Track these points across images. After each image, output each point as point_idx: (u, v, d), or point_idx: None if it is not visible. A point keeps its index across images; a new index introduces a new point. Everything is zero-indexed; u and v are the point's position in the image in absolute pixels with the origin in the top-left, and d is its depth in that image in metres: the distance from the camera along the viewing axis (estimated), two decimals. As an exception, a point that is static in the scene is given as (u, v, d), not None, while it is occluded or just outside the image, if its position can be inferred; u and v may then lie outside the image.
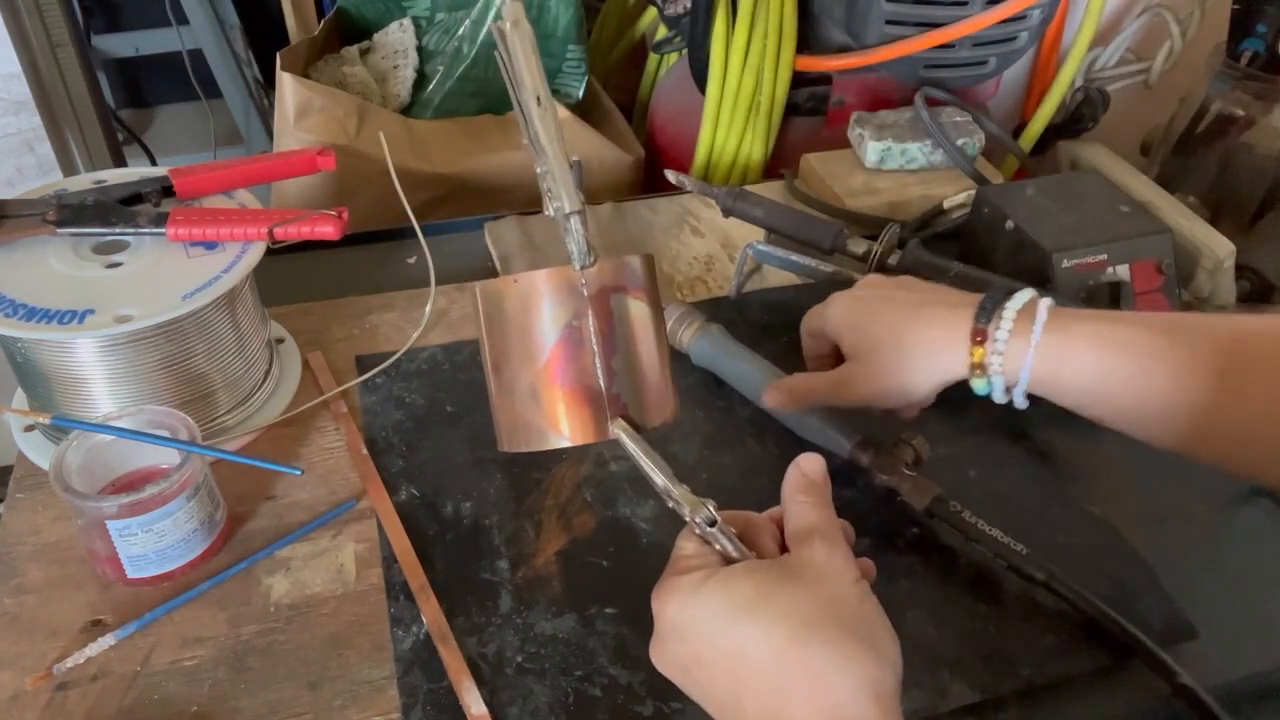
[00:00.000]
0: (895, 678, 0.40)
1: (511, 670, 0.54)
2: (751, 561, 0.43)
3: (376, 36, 1.16)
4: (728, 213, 0.82)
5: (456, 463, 0.66)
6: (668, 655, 0.44)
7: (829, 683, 0.38)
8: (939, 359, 0.57)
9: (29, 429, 0.66)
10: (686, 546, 0.45)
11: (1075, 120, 1.05)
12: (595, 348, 0.44)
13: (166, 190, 0.67)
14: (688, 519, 0.44)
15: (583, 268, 0.44)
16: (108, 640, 0.55)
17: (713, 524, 0.44)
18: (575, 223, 0.44)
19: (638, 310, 0.46)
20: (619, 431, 0.44)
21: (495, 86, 1.13)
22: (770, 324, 0.77)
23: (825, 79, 1.01)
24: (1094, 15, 1.01)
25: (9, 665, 0.54)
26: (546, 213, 0.45)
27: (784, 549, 0.45)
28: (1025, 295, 0.56)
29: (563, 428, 0.45)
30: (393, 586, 0.58)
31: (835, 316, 0.62)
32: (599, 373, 0.44)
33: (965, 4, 0.90)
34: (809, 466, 0.47)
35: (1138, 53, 1.09)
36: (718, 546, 0.45)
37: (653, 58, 1.24)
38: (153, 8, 1.77)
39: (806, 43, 0.99)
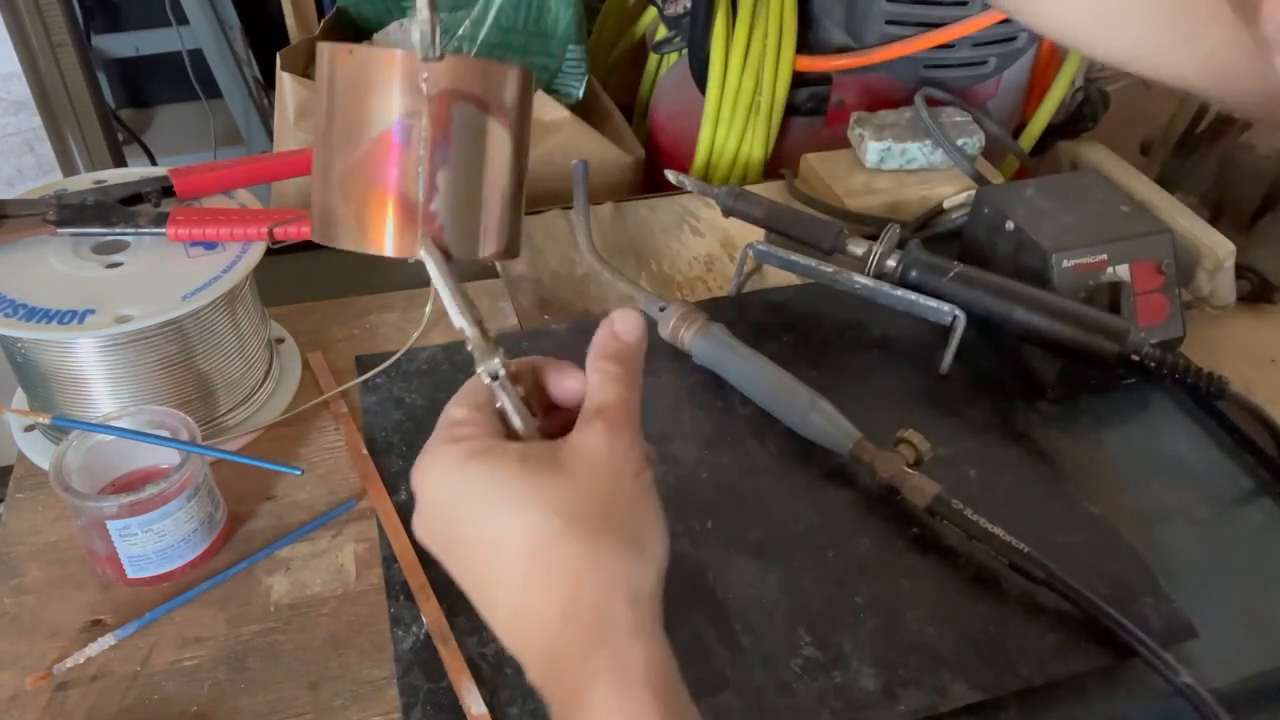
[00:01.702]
0: (657, 576, 0.38)
1: (511, 670, 0.54)
2: (523, 445, 0.39)
3: (376, 36, 1.16)
4: (728, 213, 0.82)
5: (456, 463, 0.66)
6: (428, 530, 0.39)
7: (582, 583, 0.36)
8: None
9: (29, 429, 0.66)
10: (457, 412, 0.40)
11: (1075, 120, 1.05)
12: (422, 153, 0.39)
13: (166, 190, 0.67)
14: (477, 368, 0.40)
15: (425, 59, 0.38)
16: (108, 640, 0.55)
17: (495, 377, 0.40)
18: (423, 5, 0.38)
19: (490, 129, 0.40)
20: (424, 252, 0.40)
21: (495, 86, 1.13)
22: (770, 324, 0.77)
23: (825, 79, 1.01)
24: (1094, 15, 1.01)
25: (9, 665, 0.54)
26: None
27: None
28: None
29: (367, 229, 0.40)
30: (393, 586, 0.58)
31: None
32: (420, 182, 0.39)
33: (965, 4, 0.90)
34: (623, 326, 0.41)
35: (1138, 53, 1.09)
36: (498, 403, 0.40)
37: (653, 58, 1.24)
38: (153, 8, 1.77)
39: (806, 43, 0.99)
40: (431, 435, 0.40)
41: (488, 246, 0.42)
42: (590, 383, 0.40)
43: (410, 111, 0.38)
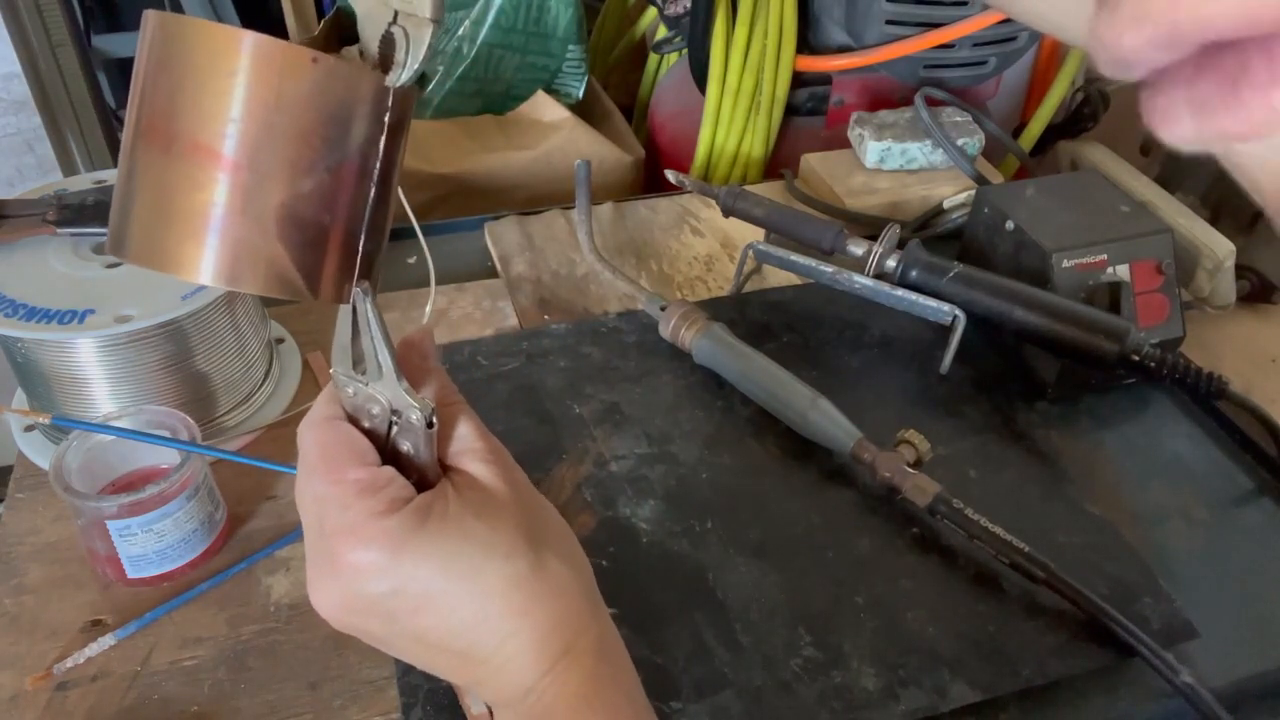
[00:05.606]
0: (588, 569, 0.41)
1: (511, 670, 0.54)
2: (452, 494, 0.38)
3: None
4: (728, 213, 0.82)
5: (456, 463, 0.66)
6: (382, 610, 0.37)
7: (569, 595, 0.39)
8: None
9: (29, 429, 0.66)
10: (367, 475, 0.37)
11: (1075, 120, 1.05)
12: (374, 188, 0.35)
13: (166, 190, 0.67)
14: (413, 417, 0.38)
15: (400, 85, 0.35)
16: (108, 640, 0.55)
17: (431, 425, 0.38)
18: (427, 30, 0.35)
19: (400, 155, 0.37)
20: (361, 298, 0.37)
21: (495, 87, 1.13)
22: (771, 324, 0.77)
23: (825, 79, 1.01)
24: (1094, 15, 1.01)
25: (9, 665, 0.54)
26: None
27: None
28: None
29: (300, 270, 0.35)
30: (393, 586, 0.58)
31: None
32: (365, 220, 0.36)
33: (965, 4, 0.91)
34: (427, 349, 0.42)
35: (1138, 53, 1.09)
36: (406, 449, 0.39)
37: (653, 58, 1.24)
38: (153, 8, 1.77)
39: (806, 43, 0.99)
40: (336, 510, 0.37)
41: (378, 284, 0.39)
42: (457, 423, 0.41)
43: (370, 139, 0.35)
